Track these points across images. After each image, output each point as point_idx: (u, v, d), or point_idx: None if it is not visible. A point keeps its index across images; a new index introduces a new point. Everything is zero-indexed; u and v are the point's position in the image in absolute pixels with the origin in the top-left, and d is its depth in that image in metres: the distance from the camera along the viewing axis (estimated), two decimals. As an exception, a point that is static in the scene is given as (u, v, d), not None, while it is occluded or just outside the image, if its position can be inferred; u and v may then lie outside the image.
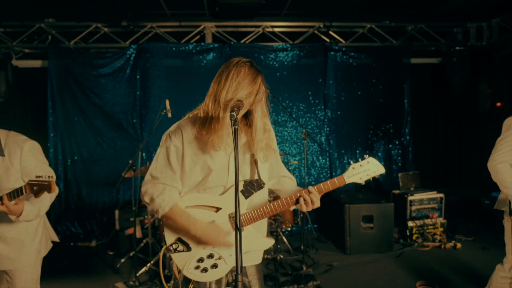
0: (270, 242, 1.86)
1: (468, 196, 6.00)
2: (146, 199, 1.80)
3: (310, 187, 1.76)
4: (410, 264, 4.40)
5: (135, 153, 4.53)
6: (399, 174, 5.45)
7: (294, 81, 5.79)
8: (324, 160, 5.95)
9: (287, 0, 5.06)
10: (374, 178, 1.76)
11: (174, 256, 1.80)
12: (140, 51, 5.55)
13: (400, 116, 6.06)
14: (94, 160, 5.57)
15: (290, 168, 5.34)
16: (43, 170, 2.17)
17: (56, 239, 2.52)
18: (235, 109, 1.52)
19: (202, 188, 1.81)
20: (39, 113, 5.69)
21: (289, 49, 5.74)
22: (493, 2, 5.26)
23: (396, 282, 3.96)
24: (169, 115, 3.94)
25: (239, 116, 1.74)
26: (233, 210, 1.34)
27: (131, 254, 4.28)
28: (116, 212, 4.97)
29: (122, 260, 4.43)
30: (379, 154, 6.08)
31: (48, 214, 2.47)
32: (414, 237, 5.05)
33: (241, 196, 1.75)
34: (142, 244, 4.50)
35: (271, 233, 4.54)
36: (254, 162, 1.84)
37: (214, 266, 1.77)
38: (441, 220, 5.14)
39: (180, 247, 1.79)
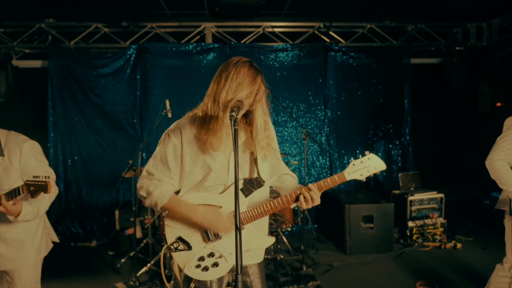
0: (271, 240, 1.86)
1: (468, 196, 6.00)
2: (142, 193, 1.79)
3: (310, 185, 1.75)
4: (410, 264, 4.39)
5: (135, 153, 4.53)
6: (399, 174, 5.45)
7: (294, 81, 5.79)
8: (324, 160, 5.95)
9: (287, 0, 5.06)
10: (375, 174, 1.73)
11: (175, 255, 1.80)
12: (140, 51, 5.55)
13: (400, 116, 6.06)
14: (94, 160, 5.57)
15: (290, 168, 5.26)
16: (43, 170, 2.16)
17: (56, 239, 2.51)
18: (235, 109, 1.51)
19: (201, 187, 1.81)
20: (39, 113, 5.69)
21: (289, 49, 5.74)
22: (493, 2, 5.26)
23: (396, 282, 3.96)
24: (169, 115, 3.94)
25: (239, 116, 1.74)
26: (233, 208, 1.33)
27: (131, 254, 4.28)
28: (116, 212, 4.97)
29: (122, 260, 4.43)
30: (379, 154, 6.07)
31: (48, 214, 2.46)
32: (414, 237, 5.05)
33: (241, 194, 1.75)
34: (142, 244, 4.50)
35: (271, 233, 4.53)
36: (253, 160, 1.84)
37: (215, 264, 1.77)
38: (441, 220, 5.14)
39: (181, 246, 1.79)
